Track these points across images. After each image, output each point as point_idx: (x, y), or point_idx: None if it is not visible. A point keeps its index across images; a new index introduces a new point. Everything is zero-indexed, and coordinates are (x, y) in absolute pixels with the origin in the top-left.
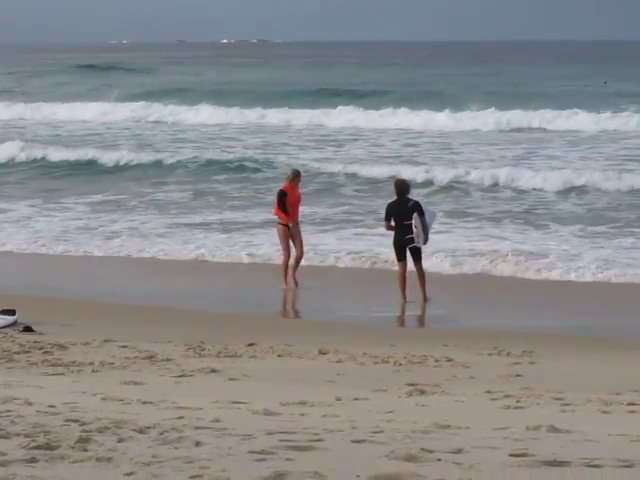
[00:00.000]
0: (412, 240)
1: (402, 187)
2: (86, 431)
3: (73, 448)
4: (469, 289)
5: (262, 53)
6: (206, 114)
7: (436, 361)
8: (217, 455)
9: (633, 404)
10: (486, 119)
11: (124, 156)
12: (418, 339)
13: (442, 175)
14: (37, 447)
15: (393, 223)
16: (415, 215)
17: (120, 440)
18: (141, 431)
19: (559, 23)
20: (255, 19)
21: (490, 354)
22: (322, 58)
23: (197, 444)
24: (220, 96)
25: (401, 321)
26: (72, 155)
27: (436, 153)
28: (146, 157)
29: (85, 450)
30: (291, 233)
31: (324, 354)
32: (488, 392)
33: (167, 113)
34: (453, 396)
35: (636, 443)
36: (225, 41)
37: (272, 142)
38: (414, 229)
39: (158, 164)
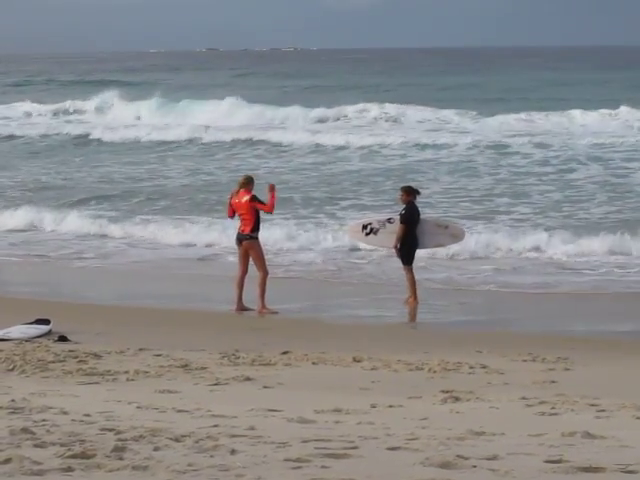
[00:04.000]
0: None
1: (417, 192)
2: (122, 440)
3: (109, 457)
4: (504, 295)
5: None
6: None
7: (470, 368)
8: (252, 463)
9: None
10: None
11: None
12: (452, 346)
13: None
14: (73, 456)
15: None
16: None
17: (156, 449)
18: (177, 439)
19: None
20: (281, 28)
21: (525, 360)
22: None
23: (232, 452)
24: None
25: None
26: None
27: None
28: None
29: (121, 459)
30: (244, 247)
31: (358, 361)
32: (523, 398)
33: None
34: (488, 403)
35: None
36: (257, 49)
37: None
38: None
39: None
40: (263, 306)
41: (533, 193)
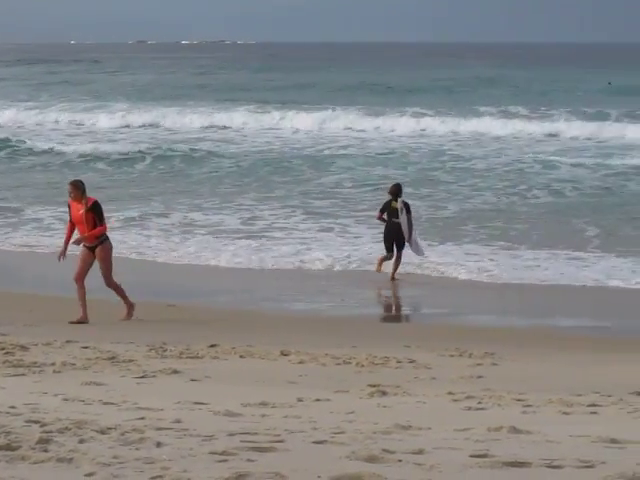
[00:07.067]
0: (402, 235)
1: (395, 189)
2: (47, 432)
3: (34, 449)
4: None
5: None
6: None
7: (398, 362)
8: (178, 456)
9: (594, 405)
10: None
11: None
12: (380, 340)
13: None
14: None
15: (385, 217)
16: (403, 212)
17: (81, 441)
18: (102, 432)
19: (547, 26)
20: (223, 21)
21: (452, 355)
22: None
23: (158, 445)
24: None
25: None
26: None
27: None
28: None
29: (46, 451)
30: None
31: (286, 355)
32: (450, 393)
33: None
34: (415, 397)
35: (597, 444)
36: (185, 42)
37: None
38: (402, 226)
39: None
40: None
41: None
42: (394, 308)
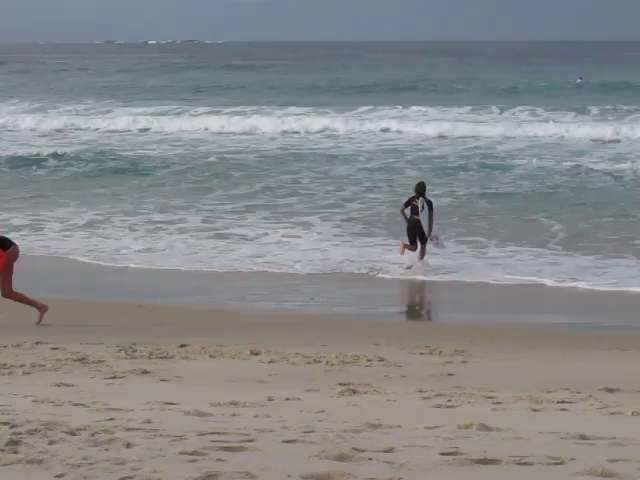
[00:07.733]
0: (422, 230)
1: (418, 188)
2: (16, 433)
3: (3, 450)
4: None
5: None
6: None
7: (368, 360)
8: (148, 456)
9: (563, 402)
10: None
11: None
12: (351, 339)
13: None
14: None
15: (408, 212)
16: (423, 210)
17: (51, 442)
18: (72, 433)
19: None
20: (181, 19)
21: (422, 353)
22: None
23: (128, 445)
24: None
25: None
26: None
27: None
28: None
29: (15, 452)
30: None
31: (256, 354)
32: (420, 391)
33: None
34: (385, 395)
35: (566, 440)
36: (153, 42)
37: None
38: (422, 222)
39: None
40: None
41: None
42: (365, 307)
